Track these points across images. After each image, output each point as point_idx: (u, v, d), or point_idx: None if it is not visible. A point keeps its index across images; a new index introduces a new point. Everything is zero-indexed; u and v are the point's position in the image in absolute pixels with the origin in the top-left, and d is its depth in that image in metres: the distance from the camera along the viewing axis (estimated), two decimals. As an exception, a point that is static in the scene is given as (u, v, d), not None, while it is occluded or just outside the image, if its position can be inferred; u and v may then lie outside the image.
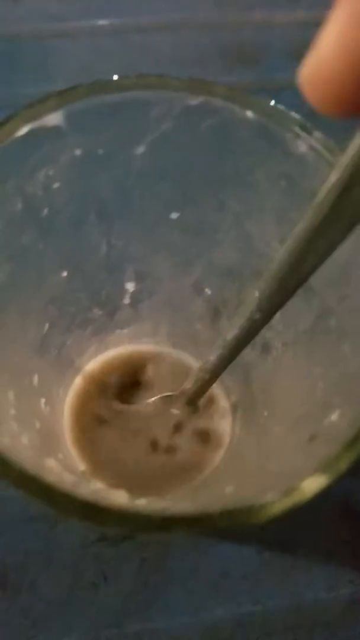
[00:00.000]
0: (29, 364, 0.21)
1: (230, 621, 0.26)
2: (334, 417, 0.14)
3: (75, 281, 0.22)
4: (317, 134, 0.15)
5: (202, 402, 0.27)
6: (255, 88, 0.40)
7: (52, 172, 0.16)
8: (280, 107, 0.15)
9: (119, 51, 0.41)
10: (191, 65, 0.41)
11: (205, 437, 0.27)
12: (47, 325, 0.22)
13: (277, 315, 0.20)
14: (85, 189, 0.18)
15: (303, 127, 0.15)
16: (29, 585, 0.26)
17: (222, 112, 0.15)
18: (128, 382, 0.28)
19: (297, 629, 0.26)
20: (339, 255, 0.15)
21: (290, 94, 0.15)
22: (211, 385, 0.23)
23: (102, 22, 0.42)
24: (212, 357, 0.20)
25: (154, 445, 0.27)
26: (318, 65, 0.10)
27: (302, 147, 0.15)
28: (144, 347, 0.28)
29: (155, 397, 0.27)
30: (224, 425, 0.27)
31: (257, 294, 0.15)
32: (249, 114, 0.15)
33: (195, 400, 0.25)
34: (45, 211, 0.17)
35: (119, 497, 0.17)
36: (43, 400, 0.23)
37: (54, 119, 0.15)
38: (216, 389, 0.28)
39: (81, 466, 0.25)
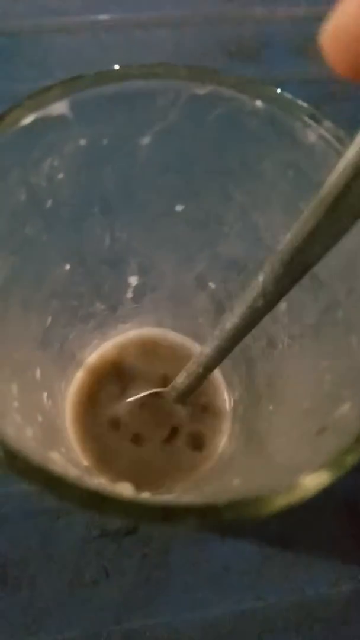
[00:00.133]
0: (32, 357, 0.21)
1: (231, 617, 0.26)
2: (343, 409, 0.14)
3: (78, 274, 0.21)
4: (327, 123, 0.15)
5: (202, 399, 0.27)
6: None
7: (56, 163, 0.16)
8: (290, 96, 0.15)
9: (120, 46, 0.41)
10: (192, 61, 0.41)
11: (205, 433, 0.27)
12: (49, 319, 0.22)
13: (283, 309, 0.20)
14: (90, 179, 0.18)
15: (313, 117, 0.15)
16: (30, 581, 0.26)
17: (230, 102, 0.15)
18: (129, 374, 0.28)
19: (298, 625, 0.26)
20: (347, 247, 0.15)
21: (291, 88, 0.15)
22: (204, 380, 0.22)
23: (102, 17, 0.42)
24: (207, 349, 0.19)
25: (155, 442, 0.26)
26: (340, 26, 0.09)
27: (311, 136, 0.15)
28: (146, 335, 0.28)
29: (145, 393, 0.27)
30: (224, 421, 0.27)
31: (261, 278, 0.14)
32: (258, 103, 0.15)
33: (187, 395, 0.24)
34: (49, 202, 0.17)
35: (124, 490, 0.17)
36: (45, 394, 0.23)
37: (59, 108, 0.15)
38: (217, 385, 0.28)
39: (84, 461, 0.25)
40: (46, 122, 0.15)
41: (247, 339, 0.23)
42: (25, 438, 0.15)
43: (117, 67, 0.15)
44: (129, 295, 0.25)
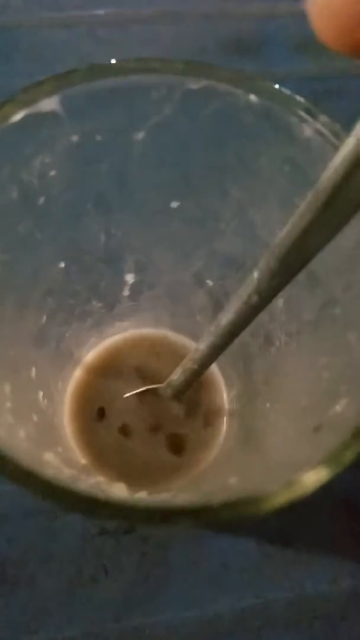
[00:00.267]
0: (27, 356, 0.21)
1: (230, 614, 0.26)
2: (340, 406, 0.14)
3: (73, 272, 0.21)
4: (324, 118, 0.14)
5: (199, 395, 0.27)
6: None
7: (48, 160, 0.16)
8: (286, 90, 0.14)
9: (118, 41, 0.41)
10: (191, 56, 0.40)
11: (202, 430, 0.27)
12: (44, 318, 0.22)
13: (281, 306, 0.19)
14: (83, 176, 0.17)
15: (309, 111, 0.14)
16: (29, 579, 0.26)
17: (225, 96, 0.15)
18: (127, 372, 0.28)
19: (298, 622, 0.26)
20: (344, 243, 0.15)
21: (291, 85, 0.15)
22: (200, 376, 0.22)
23: (100, 12, 0.42)
24: (202, 346, 0.19)
25: (152, 439, 0.26)
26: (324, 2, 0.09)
27: (307, 131, 0.14)
28: (144, 333, 0.28)
29: (140, 390, 0.27)
30: (221, 418, 0.27)
31: (256, 274, 0.14)
32: (253, 97, 0.14)
33: (182, 392, 0.24)
34: (42, 200, 0.17)
35: (118, 491, 0.17)
36: (41, 394, 0.22)
37: (50, 104, 0.15)
38: (215, 382, 0.28)
39: (82, 459, 0.25)
40: (37, 118, 0.15)
41: (245, 336, 0.23)
42: (18, 439, 0.15)
43: (112, 61, 0.15)
44: (126, 293, 0.25)
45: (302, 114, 0.15)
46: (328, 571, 0.26)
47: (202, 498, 0.13)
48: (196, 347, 0.20)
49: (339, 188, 0.11)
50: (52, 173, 0.16)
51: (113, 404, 0.27)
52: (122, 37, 0.41)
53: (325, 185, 0.11)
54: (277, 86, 0.15)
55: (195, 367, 0.21)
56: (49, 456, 0.16)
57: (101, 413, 0.27)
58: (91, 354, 0.28)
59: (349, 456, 0.12)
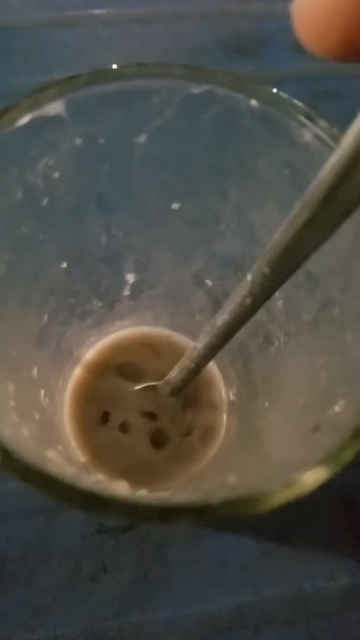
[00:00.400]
0: (28, 355, 0.21)
1: (229, 611, 0.26)
2: (339, 406, 0.14)
3: (75, 272, 0.21)
4: (322, 122, 0.15)
5: (199, 393, 0.27)
6: (254, 79, 0.40)
7: (52, 162, 0.16)
8: (285, 95, 0.15)
9: (118, 41, 0.41)
10: (190, 56, 0.41)
11: (202, 429, 0.27)
12: (46, 317, 0.22)
13: (280, 306, 0.20)
14: (86, 178, 0.18)
15: (308, 116, 0.15)
16: (28, 577, 0.26)
17: (226, 101, 0.15)
18: (127, 371, 0.28)
19: (295, 619, 0.26)
20: (342, 245, 0.15)
21: (289, 85, 0.15)
22: (197, 374, 0.22)
23: (99, 11, 0.42)
24: (199, 345, 0.19)
25: (151, 437, 0.27)
26: (305, 7, 0.10)
27: (306, 135, 0.15)
28: (144, 331, 0.28)
29: (139, 387, 0.27)
30: (220, 416, 0.27)
31: (249, 277, 0.15)
32: (253, 102, 0.15)
33: (180, 389, 0.24)
34: (46, 201, 0.17)
35: (120, 488, 0.17)
36: (42, 392, 0.23)
37: (55, 108, 0.15)
38: (214, 380, 0.28)
39: (82, 457, 0.25)
40: (42, 122, 0.15)
41: (244, 336, 0.23)
42: (23, 438, 0.15)
43: (114, 66, 0.15)
44: (126, 292, 0.25)
45: (302, 118, 0.15)
46: (326, 568, 0.27)
47: (202, 496, 0.14)
48: (194, 346, 0.20)
49: (334, 189, 0.11)
50: (56, 175, 0.17)
51: (113, 402, 0.27)
52: (121, 37, 0.41)
53: (319, 187, 0.12)
54: (276, 91, 0.15)
55: (193, 365, 0.21)
56: (51, 454, 0.16)
57: (104, 415, 0.27)
58: (91, 353, 0.28)
59: (347, 456, 0.13)
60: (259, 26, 0.43)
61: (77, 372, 0.28)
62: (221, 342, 0.18)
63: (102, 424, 0.27)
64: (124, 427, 0.27)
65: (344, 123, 0.15)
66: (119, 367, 0.28)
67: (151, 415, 0.27)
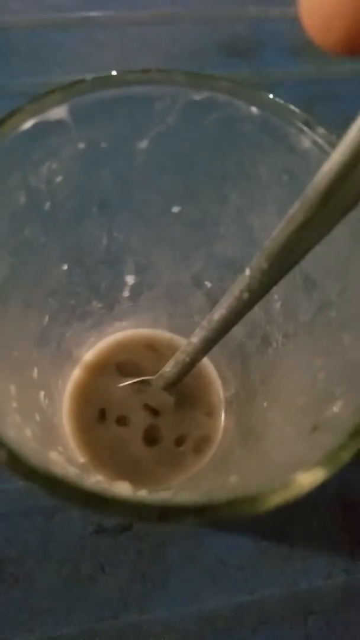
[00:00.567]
0: (29, 356, 0.21)
1: (227, 610, 0.26)
2: (337, 407, 0.14)
3: (76, 274, 0.22)
4: (321, 129, 0.15)
5: (196, 394, 0.27)
6: (250, 83, 0.40)
7: (55, 166, 0.16)
8: (284, 102, 0.15)
9: (115, 43, 0.41)
10: (186, 59, 0.41)
11: (196, 439, 0.27)
12: (47, 318, 0.22)
13: (278, 308, 0.20)
14: (88, 182, 0.18)
15: (307, 123, 0.15)
16: (26, 577, 0.26)
17: (226, 107, 0.15)
18: (125, 371, 0.28)
19: (293, 617, 0.26)
20: (339, 248, 0.16)
21: (285, 88, 0.15)
22: (192, 369, 0.22)
23: (97, 13, 0.42)
24: (195, 339, 0.19)
25: (145, 433, 0.27)
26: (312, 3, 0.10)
27: (305, 142, 0.15)
28: (143, 332, 0.28)
29: (132, 381, 0.27)
30: (216, 424, 0.27)
31: (247, 272, 0.15)
32: (253, 109, 0.15)
33: (174, 384, 0.24)
34: (48, 205, 0.17)
35: (123, 489, 0.17)
36: (42, 393, 0.23)
37: (58, 113, 0.15)
38: (211, 380, 0.28)
39: (81, 458, 0.25)
40: (45, 127, 0.15)
41: (242, 336, 0.23)
42: (26, 439, 0.15)
43: (114, 71, 0.15)
44: (126, 294, 0.25)
45: (301, 125, 0.15)
46: (323, 567, 0.27)
47: (204, 496, 0.14)
48: (189, 341, 0.20)
49: (333, 188, 0.12)
50: (59, 179, 0.17)
51: (111, 402, 0.27)
52: (119, 39, 0.41)
53: (318, 185, 0.12)
54: (275, 98, 0.15)
55: (188, 359, 0.21)
56: (53, 455, 0.16)
57: (102, 414, 0.27)
58: (90, 353, 0.28)
59: (345, 457, 0.13)
60: (256, 29, 0.43)
61: (76, 373, 0.28)
62: (217, 337, 0.19)
63: (100, 422, 0.27)
64: (121, 421, 0.27)
65: (339, 125, 0.15)
66: (118, 365, 0.28)
67: (151, 411, 0.27)
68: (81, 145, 0.16)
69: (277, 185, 0.17)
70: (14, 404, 0.17)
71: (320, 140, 0.15)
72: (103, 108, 0.15)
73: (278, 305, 0.20)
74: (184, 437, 0.27)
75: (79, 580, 0.26)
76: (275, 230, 0.13)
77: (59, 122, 0.15)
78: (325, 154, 0.15)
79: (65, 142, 0.16)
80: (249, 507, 0.13)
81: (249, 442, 0.21)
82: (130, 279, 0.24)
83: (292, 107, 0.15)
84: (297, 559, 0.27)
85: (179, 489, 0.23)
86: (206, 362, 0.28)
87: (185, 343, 0.21)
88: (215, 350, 0.23)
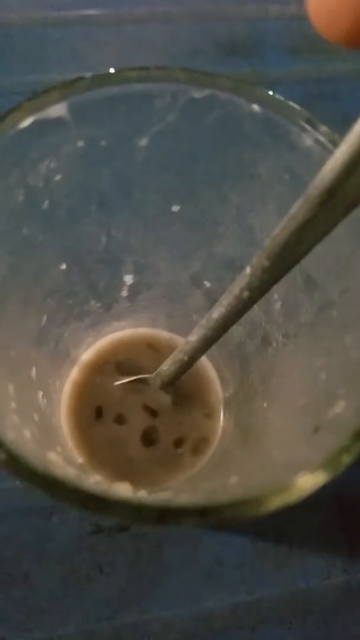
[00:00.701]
0: (28, 356, 0.21)
1: (225, 610, 0.26)
2: (339, 407, 0.14)
3: (74, 273, 0.21)
4: (323, 127, 0.15)
5: (194, 394, 0.27)
6: (249, 81, 0.40)
7: (54, 164, 0.16)
8: (286, 100, 0.15)
9: (113, 41, 0.41)
10: (185, 57, 0.41)
11: (194, 441, 0.27)
12: (45, 318, 0.22)
13: (278, 308, 0.20)
14: (87, 180, 0.18)
15: (309, 121, 0.15)
16: (24, 577, 0.26)
17: (227, 105, 0.15)
18: (124, 371, 0.28)
19: (291, 617, 0.26)
20: (340, 247, 0.15)
21: (284, 87, 0.15)
22: (189, 368, 0.22)
23: (94, 11, 0.42)
24: (193, 337, 0.19)
25: (143, 434, 0.27)
26: None
27: (307, 141, 0.15)
28: (141, 332, 0.28)
29: (130, 379, 0.27)
30: (215, 426, 0.27)
31: (248, 270, 0.15)
32: (255, 106, 0.15)
33: (172, 383, 0.24)
34: (47, 203, 0.17)
35: (123, 490, 0.17)
36: (41, 393, 0.23)
37: (57, 110, 0.15)
38: (210, 380, 0.28)
39: (79, 458, 0.25)
40: (44, 125, 0.15)
41: (242, 336, 0.23)
42: (25, 440, 0.15)
43: (112, 69, 0.15)
44: (124, 293, 0.25)
45: (303, 123, 0.15)
46: (321, 567, 0.27)
47: (205, 498, 0.14)
48: (187, 339, 0.20)
49: (335, 186, 0.12)
50: (58, 177, 0.17)
51: (109, 401, 0.27)
52: (117, 37, 0.41)
53: (321, 184, 0.12)
54: (277, 95, 0.15)
55: (186, 358, 0.21)
56: (52, 456, 0.16)
57: (99, 412, 0.27)
58: (88, 353, 0.28)
59: (346, 459, 0.13)
60: (254, 28, 0.43)
61: (74, 372, 0.28)
62: (216, 336, 0.18)
63: (98, 420, 0.27)
64: (119, 420, 0.27)
65: (338, 125, 0.15)
66: (118, 364, 0.28)
67: (149, 412, 0.27)
68: (80, 144, 0.16)
69: (278, 184, 0.17)
70: (13, 405, 0.17)
71: (322, 139, 0.15)
72: (103, 106, 0.15)
73: (278, 305, 0.20)
74: (182, 439, 0.27)
75: (77, 580, 0.26)
76: (277, 227, 0.13)
77: (58, 120, 0.15)
78: (328, 153, 0.15)
79: (65, 140, 0.16)
80: (249, 509, 0.13)
81: (248, 443, 0.21)
82: (128, 279, 0.24)
83: (294, 104, 0.15)
84: (295, 559, 0.27)
85: (178, 490, 0.23)
86: (205, 362, 0.28)
87: (184, 342, 0.21)
88: (214, 350, 0.23)
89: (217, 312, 0.17)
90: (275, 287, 0.15)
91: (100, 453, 0.26)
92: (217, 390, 0.28)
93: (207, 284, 0.23)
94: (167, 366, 0.23)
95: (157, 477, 0.26)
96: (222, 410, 0.27)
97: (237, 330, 0.23)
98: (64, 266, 0.21)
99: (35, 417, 0.20)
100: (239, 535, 0.27)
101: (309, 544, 0.27)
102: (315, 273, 0.17)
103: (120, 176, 0.18)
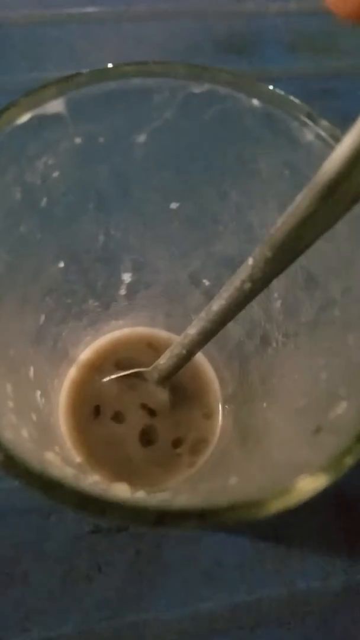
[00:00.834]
0: (26, 355, 0.21)
1: (224, 610, 0.26)
2: (341, 408, 0.14)
3: (72, 272, 0.21)
4: (324, 122, 0.15)
5: (193, 394, 0.27)
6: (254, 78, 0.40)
7: (51, 161, 0.16)
8: (286, 94, 0.15)
9: (110, 39, 0.41)
10: (184, 55, 0.41)
11: (193, 442, 0.27)
12: (43, 316, 0.22)
13: (278, 307, 0.20)
14: (85, 178, 0.17)
15: (309, 116, 0.15)
16: (22, 577, 0.26)
17: (227, 100, 0.15)
18: (125, 365, 0.28)
19: (290, 618, 0.26)
20: (342, 245, 0.15)
21: (283, 84, 0.15)
22: (187, 362, 0.22)
23: (92, 9, 0.42)
24: (192, 330, 0.19)
25: (145, 437, 0.27)
26: None
27: (308, 136, 0.15)
28: (139, 330, 0.28)
29: (126, 372, 0.27)
30: (214, 426, 0.27)
31: (250, 262, 0.15)
32: (255, 101, 0.15)
33: (169, 377, 0.24)
34: (44, 201, 0.17)
35: (121, 491, 0.17)
36: (39, 393, 0.22)
37: (55, 106, 0.15)
38: (208, 380, 0.28)
39: (77, 458, 0.25)
40: (42, 121, 0.15)
41: (241, 336, 0.23)
42: (23, 440, 0.15)
43: (110, 65, 0.15)
44: (122, 292, 0.25)
45: (303, 118, 0.15)
46: (320, 568, 0.27)
47: (205, 500, 0.14)
48: (186, 332, 0.20)
49: (338, 180, 0.11)
50: (55, 174, 0.16)
51: (106, 398, 0.27)
52: (115, 35, 0.41)
53: (325, 178, 0.12)
54: (277, 90, 0.15)
55: (184, 352, 0.21)
56: (50, 456, 0.16)
57: (97, 410, 0.27)
58: (86, 352, 0.28)
59: (348, 461, 0.13)
60: (254, 25, 0.43)
61: (72, 372, 0.28)
62: (215, 328, 0.18)
63: (96, 418, 0.27)
64: (117, 418, 0.27)
65: (338, 122, 0.15)
66: (117, 363, 0.28)
67: (148, 411, 0.27)
68: (78, 140, 0.16)
69: (278, 181, 0.16)
70: (10, 404, 0.17)
71: (323, 134, 0.15)
72: (100, 101, 0.15)
73: (278, 304, 0.20)
74: (180, 439, 0.26)
75: (76, 580, 0.26)
76: (280, 218, 0.13)
77: (55, 116, 0.15)
78: (329, 148, 0.14)
79: (62, 136, 0.16)
80: (249, 512, 0.12)
81: (248, 444, 0.21)
82: (127, 277, 0.24)
83: (294, 99, 0.15)
84: (295, 559, 0.27)
85: (176, 491, 0.22)
86: (204, 362, 0.28)
87: (182, 334, 0.20)
88: (213, 350, 0.23)
89: (217, 304, 0.17)
90: (275, 285, 0.15)
91: (98, 452, 0.26)
92: (216, 390, 0.28)
93: (206, 282, 0.23)
94: (164, 360, 0.23)
95: (156, 477, 0.26)
96: (220, 410, 0.27)
97: (236, 330, 0.23)
98: (62, 264, 0.20)
99: (33, 416, 0.20)
100: (239, 536, 0.27)
101: (308, 544, 0.27)
102: (317, 271, 0.17)
103: (119, 173, 0.18)
